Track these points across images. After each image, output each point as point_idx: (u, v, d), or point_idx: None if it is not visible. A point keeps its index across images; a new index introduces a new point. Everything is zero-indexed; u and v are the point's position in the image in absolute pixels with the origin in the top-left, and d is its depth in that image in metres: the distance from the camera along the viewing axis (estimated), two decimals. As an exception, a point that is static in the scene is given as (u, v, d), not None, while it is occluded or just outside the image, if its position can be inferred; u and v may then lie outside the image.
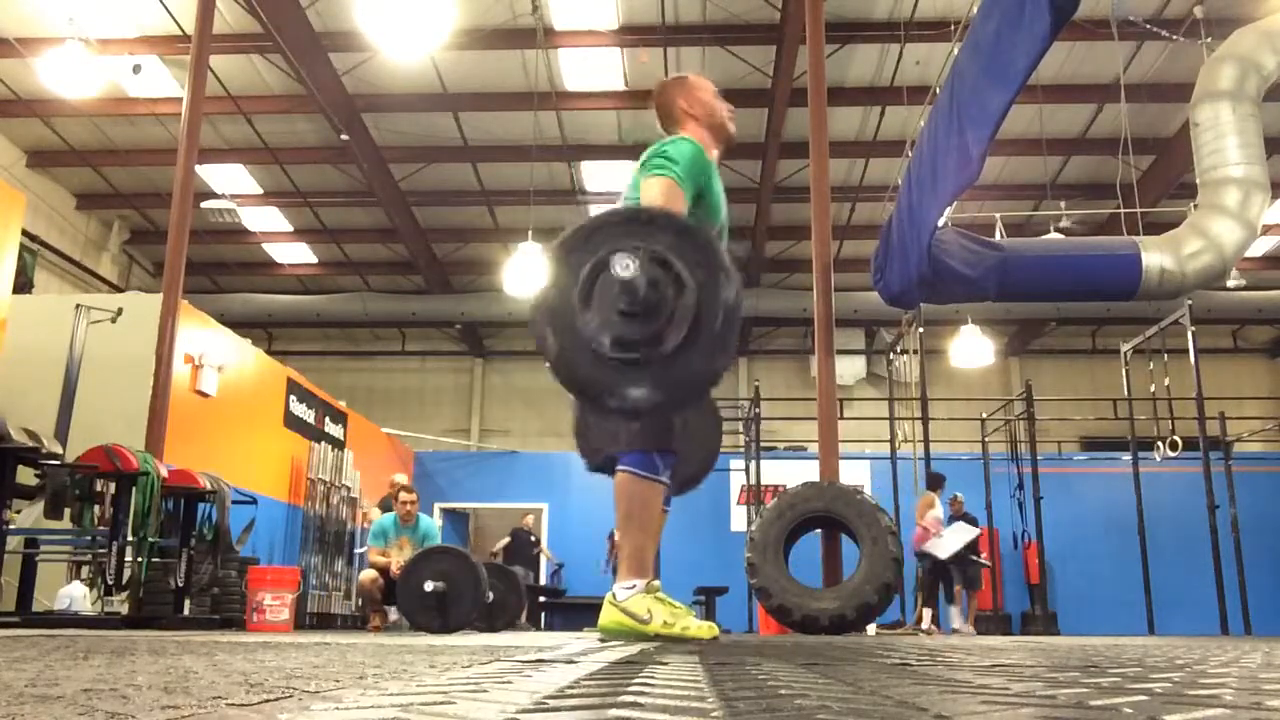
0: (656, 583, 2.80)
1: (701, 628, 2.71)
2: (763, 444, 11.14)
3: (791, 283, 14.99)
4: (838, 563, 6.27)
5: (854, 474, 11.35)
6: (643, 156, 2.93)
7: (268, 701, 0.89)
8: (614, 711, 0.75)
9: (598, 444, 2.90)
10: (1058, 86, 10.45)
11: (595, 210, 13.30)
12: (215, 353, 8.44)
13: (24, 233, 8.32)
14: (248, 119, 11.34)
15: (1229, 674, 1.32)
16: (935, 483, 9.77)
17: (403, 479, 9.92)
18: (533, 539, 12.84)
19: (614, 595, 2.78)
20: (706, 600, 10.87)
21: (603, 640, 2.74)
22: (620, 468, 2.77)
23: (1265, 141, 7.67)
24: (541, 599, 12.60)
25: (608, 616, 2.75)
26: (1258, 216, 7.35)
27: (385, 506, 9.46)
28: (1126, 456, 10.18)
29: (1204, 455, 8.73)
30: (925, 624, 9.59)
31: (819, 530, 6.13)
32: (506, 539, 12.41)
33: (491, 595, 6.66)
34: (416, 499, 7.69)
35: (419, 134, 11.78)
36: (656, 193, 2.76)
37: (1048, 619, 10.99)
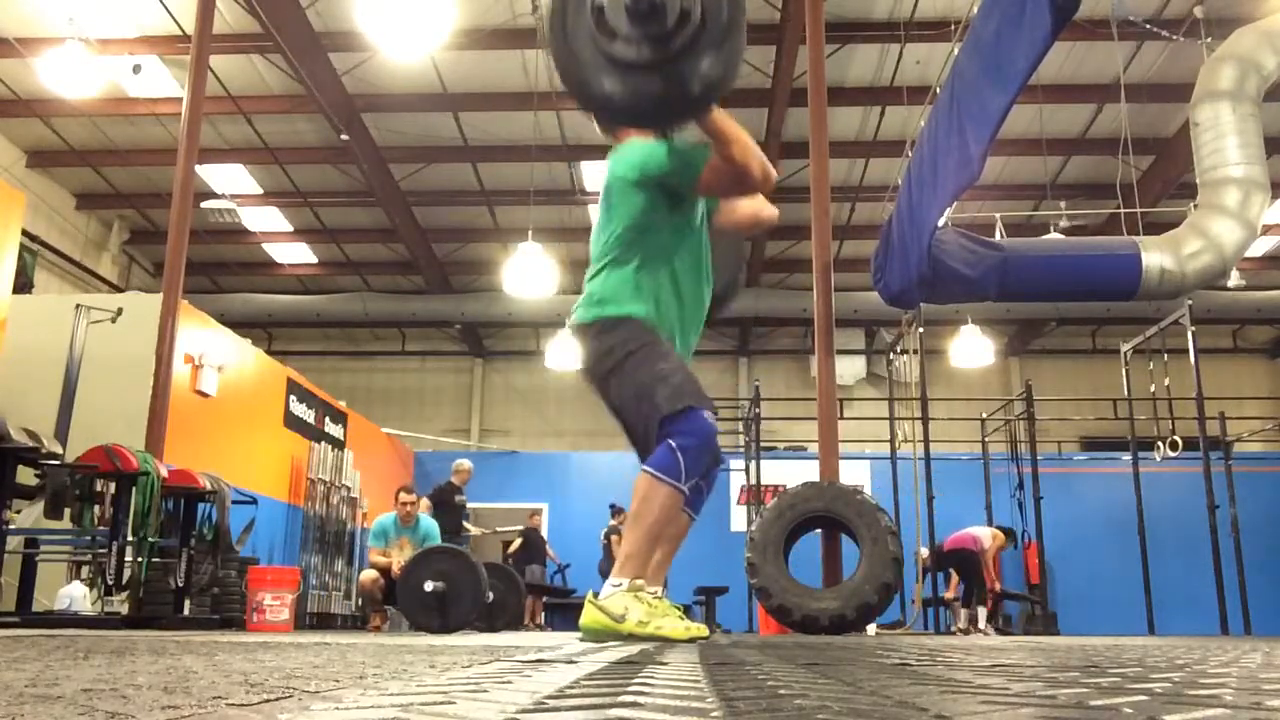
0: (640, 582, 2.77)
1: (677, 629, 2.62)
2: (763, 444, 11.14)
3: (791, 283, 14.99)
4: (838, 563, 6.27)
5: (854, 474, 11.35)
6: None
7: (268, 701, 0.89)
8: (614, 711, 0.75)
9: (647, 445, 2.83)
10: (1058, 86, 10.45)
11: (595, 210, 13.37)
12: (215, 353, 8.44)
13: (24, 233, 8.32)
14: (248, 119, 11.34)
15: (1229, 674, 1.32)
16: (1010, 535, 10.36)
17: (464, 467, 10.12)
18: (543, 537, 12.82)
19: (594, 593, 2.77)
20: (706, 600, 10.87)
21: (583, 639, 2.71)
22: (643, 467, 2.74)
23: (1265, 141, 7.67)
24: (544, 599, 12.60)
25: (588, 616, 2.72)
26: (1258, 216, 7.35)
27: (436, 499, 9.56)
28: (1126, 456, 10.17)
29: (1204, 455, 8.72)
30: (963, 623, 9.73)
31: (819, 530, 6.14)
32: (518, 539, 12.33)
33: (491, 595, 6.67)
34: (417, 499, 7.70)
35: (419, 134, 11.78)
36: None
37: (1048, 619, 10.99)
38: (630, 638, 2.61)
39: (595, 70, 2.46)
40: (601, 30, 2.42)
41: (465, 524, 10.66)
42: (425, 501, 9.91)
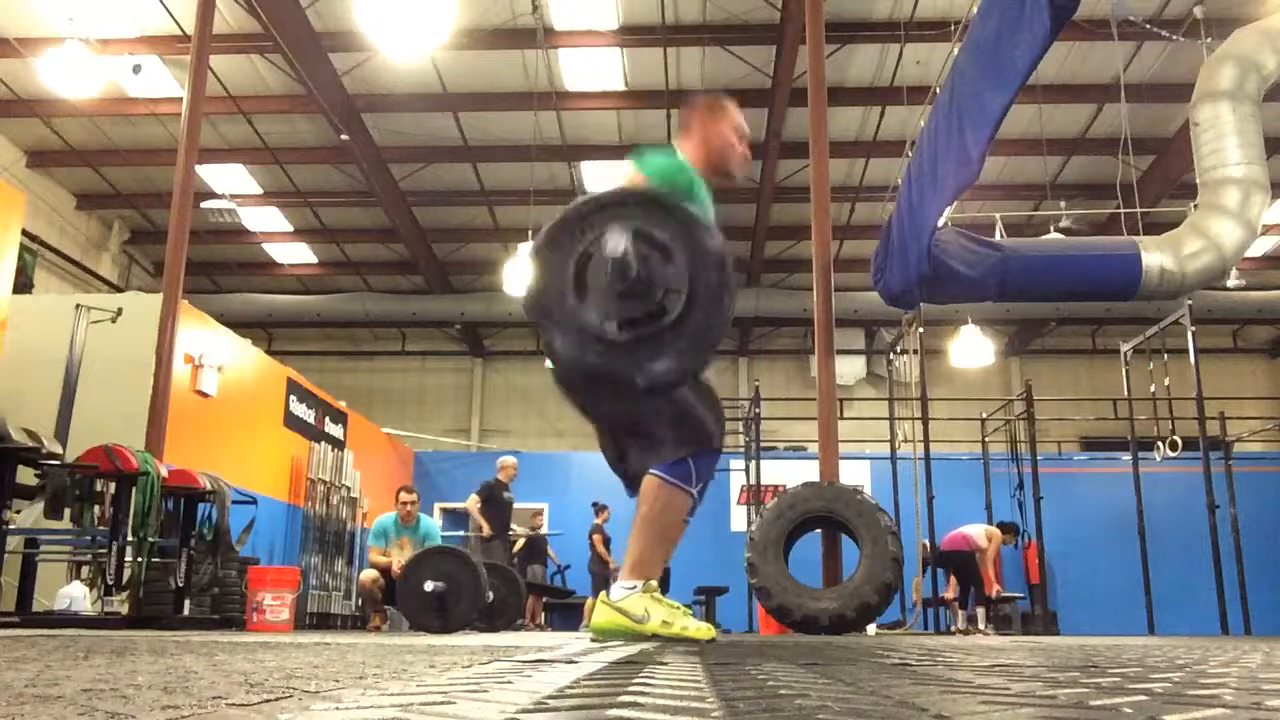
0: (654, 584, 2.78)
1: (700, 629, 2.68)
2: (763, 444, 11.14)
3: (791, 283, 14.99)
4: (838, 563, 6.27)
5: (854, 474, 11.34)
6: (638, 163, 2.95)
7: (268, 701, 0.89)
8: (614, 711, 0.75)
9: (638, 467, 2.81)
10: (1058, 86, 10.45)
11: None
12: (215, 353, 8.44)
13: (24, 233, 8.32)
14: (248, 119, 11.34)
15: (1229, 674, 1.32)
16: (1010, 531, 10.40)
17: (509, 463, 10.26)
18: (544, 538, 12.78)
19: (607, 595, 2.77)
20: (706, 600, 10.87)
21: (595, 640, 2.72)
22: (652, 471, 2.72)
23: (1265, 141, 7.67)
24: (545, 600, 12.59)
25: (602, 616, 2.72)
26: (1258, 216, 7.34)
27: (485, 496, 9.59)
28: (1126, 456, 10.17)
29: (1204, 455, 8.72)
30: (962, 623, 9.74)
31: (819, 530, 6.14)
32: (522, 540, 12.27)
33: (491, 595, 6.67)
34: (417, 500, 7.69)
35: (419, 134, 11.78)
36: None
37: (1048, 619, 10.99)
38: (654, 638, 2.62)
39: (557, 321, 2.38)
40: (577, 284, 2.34)
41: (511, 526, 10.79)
42: (474, 498, 9.99)
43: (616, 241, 2.22)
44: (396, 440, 14.04)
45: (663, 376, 2.36)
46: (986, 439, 12.02)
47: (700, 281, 2.32)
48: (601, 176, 12.65)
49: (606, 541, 11.34)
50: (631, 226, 2.29)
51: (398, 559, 7.18)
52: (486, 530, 10.04)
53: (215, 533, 6.36)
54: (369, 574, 7.45)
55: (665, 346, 2.34)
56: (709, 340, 2.39)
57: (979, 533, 10.01)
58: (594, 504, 11.41)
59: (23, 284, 10.37)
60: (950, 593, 10.15)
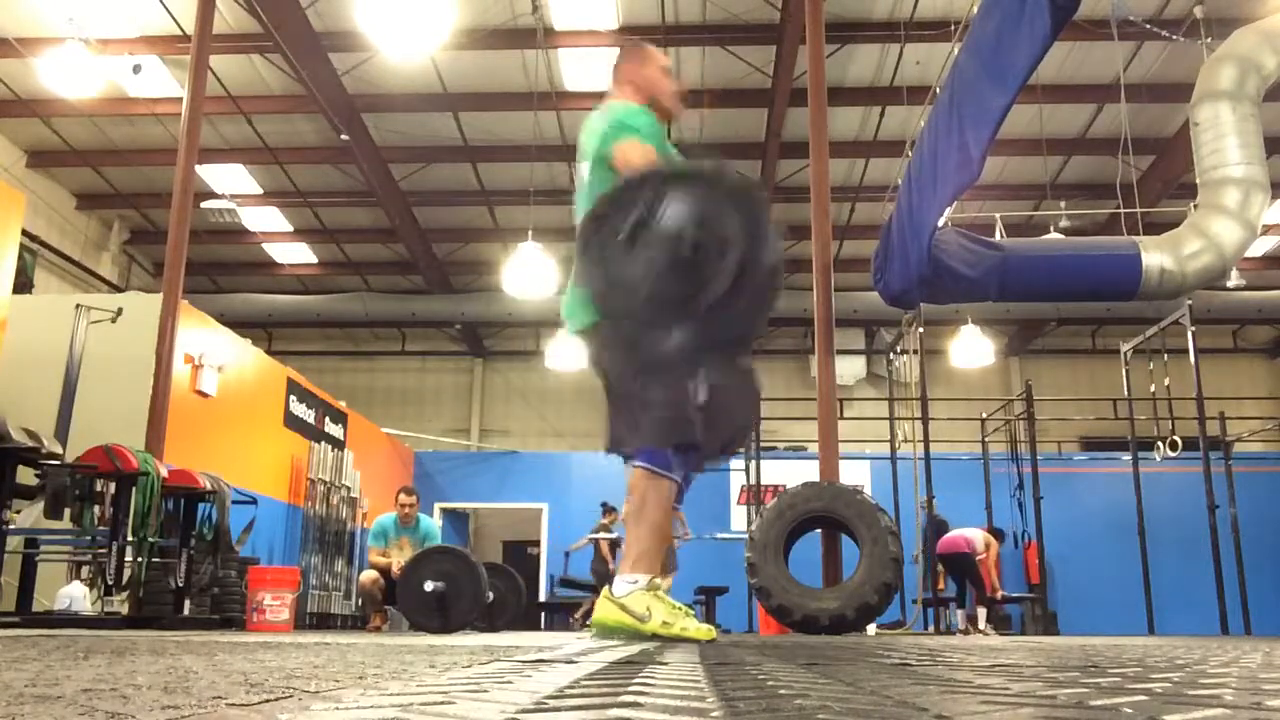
0: (659, 580, 2.77)
1: (701, 629, 2.67)
2: (763, 444, 11.14)
3: (791, 283, 14.96)
4: (838, 563, 6.27)
5: (854, 474, 11.34)
6: (596, 126, 3.00)
7: (268, 701, 0.89)
8: (614, 711, 0.75)
9: (618, 434, 2.87)
10: (1058, 86, 10.44)
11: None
12: (215, 353, 8.44)
13: (24, 233, 8.31)
14: (248, 119, 11.33)
15: (1229, 674, 1.32)
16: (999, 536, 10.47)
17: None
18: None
19: (610, 590, 2.76)
20: (706, 600, 10.87)
21: (597, 637, 2.71)
22: (635, 463, 2.76)
23: (1265, 141, 7.66)
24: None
25: (604, 612, 2.71)
26: (1258, 216, 7.34)
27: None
28: (1126, 456, 10.17)
29: (1204, 455, 8.72)
30: (962, 624, 9.75)
31: (819, 530, 6.14)
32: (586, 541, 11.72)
33: (491, 595, 6.67)
34: (416, 501, 7.69)
35: (419, 134, 11.78)
36: (636, 156, 2.83)
37: (1048, 619, 11.00)
38: (654, 638, 2.61)
39: (604, 261, 2.43)
40: (631, 238, 2.38)
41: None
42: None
43: (677, 214, 2.23)
44: (396, 440, 14.05)
45: (671, 348, 2.42)
46: (986, 439, 12.03)
47: (748, 284, 2.36)
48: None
49: (613, 545, 11.31)
50: (700, 209, 2.32)
51: (397, 559, 7.18)
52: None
53: (215, 533, 6.36)
54: (369, 574, 7.45)
55: (689, 324, 2.38)
56: (735, 337, 2.46)
57: (978, 536, 10.02)
58: (603, 504, 11.37)
59: (23, 284, 10.37)
60: (940, 584, 10.22)
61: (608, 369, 2.92)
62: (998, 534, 10.40)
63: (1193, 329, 8.80)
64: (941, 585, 10.16)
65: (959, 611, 10.11)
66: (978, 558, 9.86)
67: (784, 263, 2.50)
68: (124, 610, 6.10)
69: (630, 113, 3.02)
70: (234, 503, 6.62)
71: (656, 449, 2.73)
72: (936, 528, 9.83)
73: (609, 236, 2.40)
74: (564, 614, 12.90)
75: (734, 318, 2.38)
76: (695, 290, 2.33)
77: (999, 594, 10.03)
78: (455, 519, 15.15)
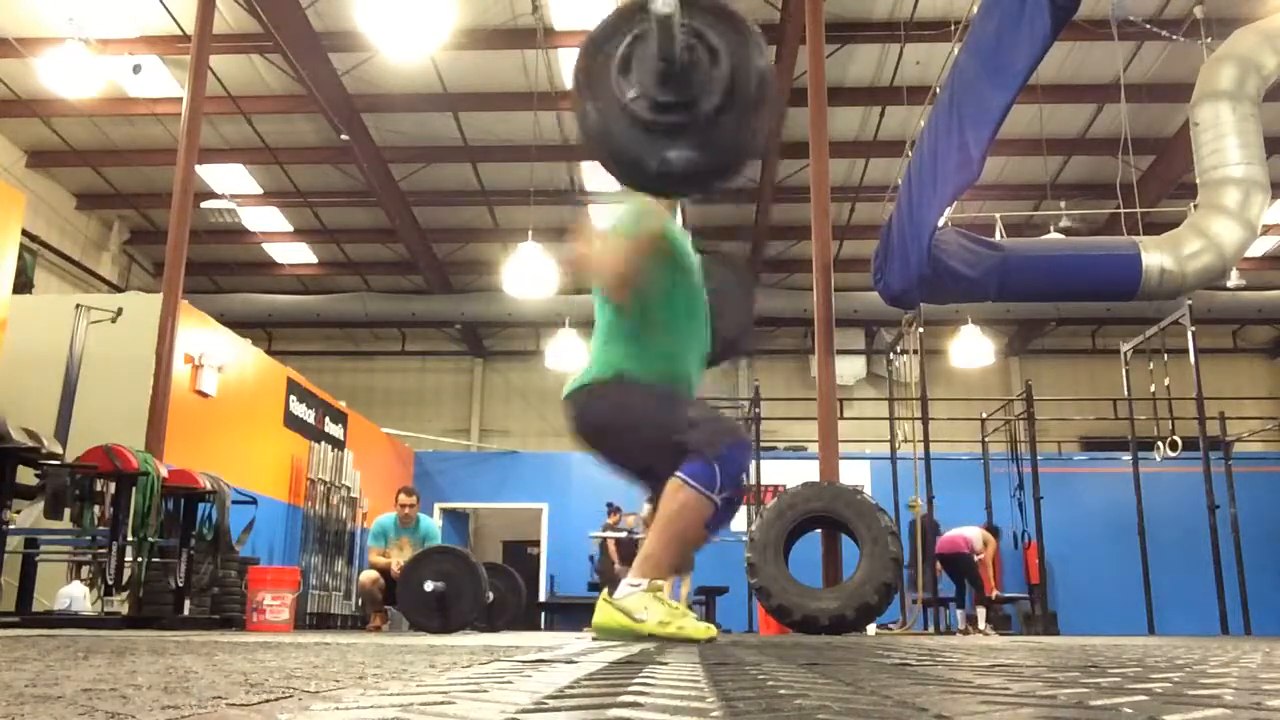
0: (659, 583, 2.77)
1: (699, 628, 2.66)
2: (763, 444, 11.14)
3: (791, 283, 14.99)
4: (838, 562, 6.27)
5: (854, 474, 11.34)
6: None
7: (268, 701, 0.89)
8: (614, 711, 0.75)
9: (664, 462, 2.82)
10: (1058, 86, 10.44)
11: (596, 210, 13.32)
12: (215, 353, 8.44)
13: (24, 233, 8.31)
14: (248, 119, 11.33)
15: (1229, 674, 1.32)
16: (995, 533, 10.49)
17: None
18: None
19: (608, 592, 2.76)
20: (706, 600, 10.87)
21: (597, 639, 2.71)
22: (678, 474, 2.71)
23: (1265, 141, 7.66)
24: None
25: (603, 615, 2.71)
26: (1258, 216, 7.34)
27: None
28: (1126, 456, 10.17)
29: (1204, 455, 8.72)
30: (963, 624, 9.76)
31: (819, 530, 6.14)
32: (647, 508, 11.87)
33: (491, 595, 6.67)
34: (417, 501, 7.70)
35: (419, 134, 11.77)
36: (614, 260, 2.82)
37: (1048, 619, 10.99)
38: (650, 638, 2.60)
39: (598, 92, 2.44)
40: (623, 64, 2.41)
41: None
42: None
43: (667, 2, 2.24)
44: (396, 440, 14.05)
45: (677, 165, 2.39)
46: (986, 439, 12.02)
47: (740, 90, 2.37)
48: (602, 176, 12.66)
49: (631, 544, 11.27)
50: (688, 11, 2.34)
51: (397, 559, 7.19)
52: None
53: (215, 533, 6.36)
54: (369, 574, 7.45)
55: (688, 138, 2.37)
56: (733, 148, 2.43)
57: (975, 535, 10.01)
58: (609, 504, 11.34)
59: (23, 284, 10.37)
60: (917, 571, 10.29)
61: (625, 442, 2.91)
62: (995, 531, 10.41)
63: (1193, 329, 8.80)
64: (921, 591, 10.15)
65: (959, 612, 10.11)
66: (977, 558, 9.86)
67: (772, 70, 2.49)
68: (124, 610, 6.10)
69: (645, 211, 2.92)
70: (234, 503, 6.62)
71: (704, 464, 2.69)
72: (930, 529, 9.83)
73: (604, 63, 2.43)
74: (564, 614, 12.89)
75: (729, 126, 2.38)
76: (689, 99, 2.35)
77: (996, 594, 10.03)
78: (455, 519, 15.15)
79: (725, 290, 3.24)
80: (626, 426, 2.88)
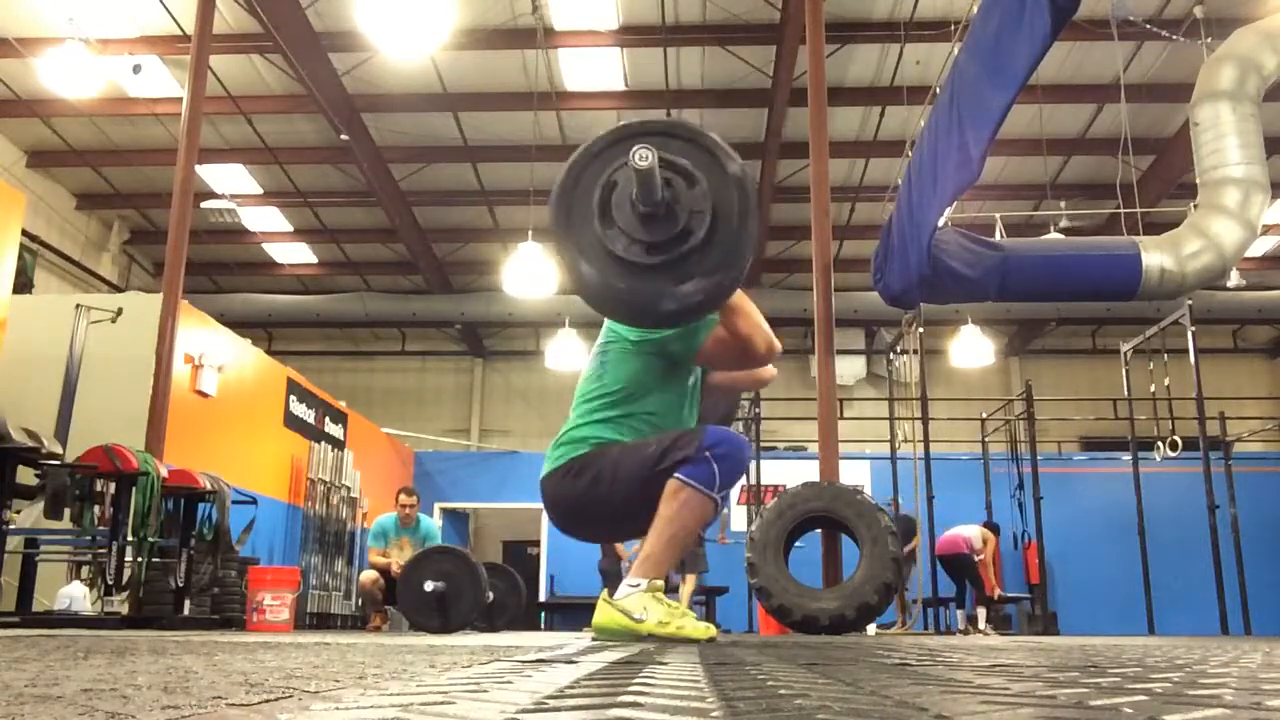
0: (658, 583, 2.77)
1: (698, 628, 2.66)
2: (763, 444, 11.14)
3: (791, 283, 14.99)
4: (838, 562, 6.27)
5: (854, 474, 11.34)
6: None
7: (268, 701, 0.89)
8: (614, 711, 0.75)
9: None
10: (1058, 86, 10.45)
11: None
12: (215, 353, 8.44)
13: (24, 233, 8.31)
14: (248, 119, 11.33)
15: (1229, 674, 1.32)
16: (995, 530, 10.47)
17: None
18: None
19: (609, 593, 2.76)
20: (706, 600, 10.87)
21: (597, 639, 2.71)
22: (677, 475, 2.70)
23: (1265, 141, 7.66)
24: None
25: (602, 615, 2.71)
26: (1258, 216, 7.34)
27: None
28: (1126, 456, 10.17)
29: (1204, 455, 8.72)
30: (962, 624, 9.76)
31: (819, 530, 6.13)
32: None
33: (491, 595, 6.67)
34: (417, 502, 7.70)
35: (419, 134, 11.78)
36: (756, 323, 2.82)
37: (1048, 619, 10.99)
38: (650, 638, 2.60)
39: (585, 248, 2.43)
40: (603, 213, 2.40)
41: None
42: None
43: (643, 154, 2.25)
44: (396, 440, 14.05)
45: (692, 298, 2.41)
46: (986, 439, 12.02)
47: (724, 203, 2.38)
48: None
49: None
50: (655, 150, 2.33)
51: (397, 559, 7.19)
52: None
53: (215, 533, 6.36)
54: (369, 574, 7.46)
55: (693, 268, 2.39)
56: (735, 261, 2.43)
57: (975, 534, 10.01)
58: None
59: (23, 284, 10.37)
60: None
61: (611, 499, 2.83)
62: (994, 528, 10.40)
63: (1193, 329, 8.80)
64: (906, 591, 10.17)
65: (958, 612, 10.11)
66: (977, 558, 9.85)
67: (748, 172, 2.48)
68: (124, 610, 6.10)
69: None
70: (234, 503, 6.62)
71: (703, 464, 2.68)
72: (908, 527, 9.81)
73: (581, 213, 2.42)
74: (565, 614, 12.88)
75: (726, 242, 2.39)
76: (681, 232, 2.36)
77: (997, 593, 10.03)
78: (455, 519, 15.15)
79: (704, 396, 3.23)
80: (602, 495, 2.80)
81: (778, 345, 2.85)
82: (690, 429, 2.85)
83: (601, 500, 2.82)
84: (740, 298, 2.71)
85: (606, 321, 2.97)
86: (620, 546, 11.13)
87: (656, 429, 2.88)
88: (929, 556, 9.69)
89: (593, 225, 2.40)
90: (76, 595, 6.17)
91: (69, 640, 2.60)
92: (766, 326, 2.79)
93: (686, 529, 2.73)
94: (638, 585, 2.71)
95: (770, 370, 3.18)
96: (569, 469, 2.87)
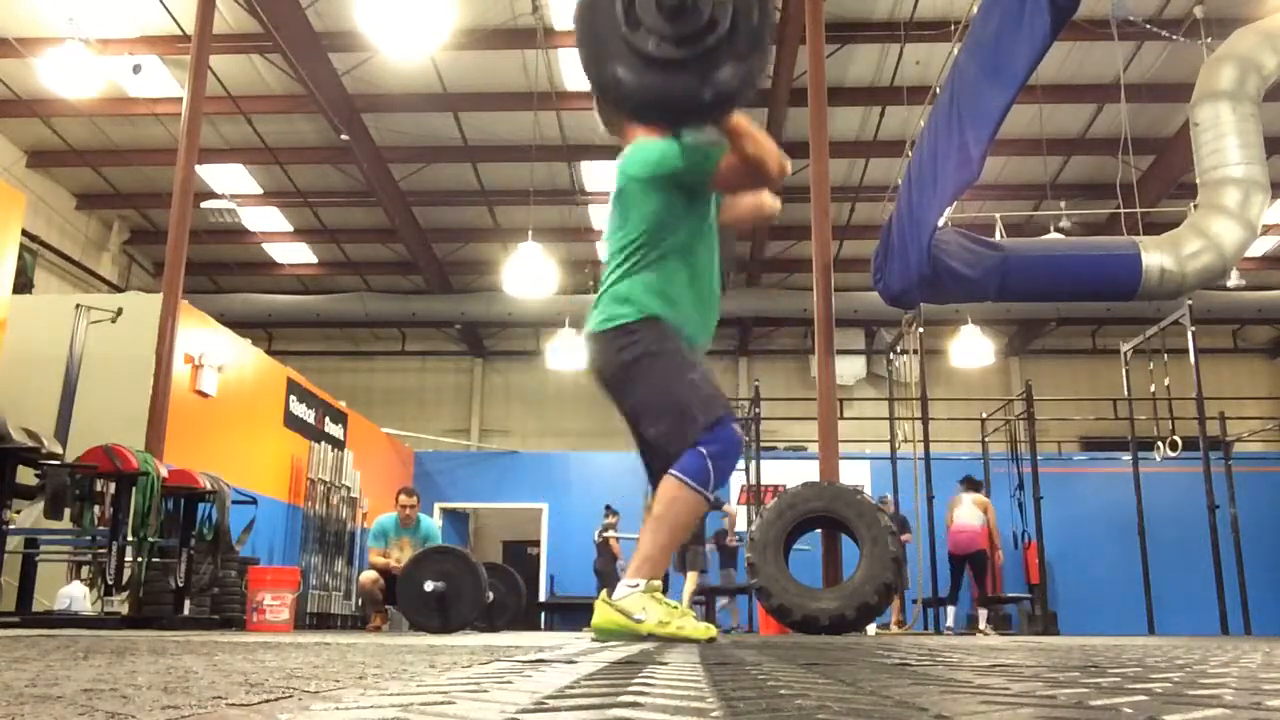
0: (656, 583, 2.77)
1: (698, 628, 2.66)
2: (763, 444, 11.14)
3: (791, 283, 14.99)
4: (838, 563, 6.27)
5: (854, 474, 11.34)
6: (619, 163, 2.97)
7: (268, 701, 0.89)
8: (614, 711, 0.75)
9: (660, 453, 2.83)
10: (1058, 86, 10.45)
11: (595, 210, 13.31)
12: (215, 353, 8.44)
13: (24, 233, 8.31)
14: (248, 119, 11.34)
15: (1229, 674, 1.32)
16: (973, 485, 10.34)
17: None
18: (724, 519, 10.79)
19: (607, 594, 2.76)
20: (707, 600, 10.87)
21: (596, 640, 2.71)
22: (672, 472, 2.70)
23: (1265, 141, 7.66)
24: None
25: (601, 616, 2.71)
26: (1258, 216, 7.34)
27: None
28: (1126, 456, 10.17)
29: (1204, 455, 8.72)
30: (982, 623, 9.78)
31: (819, 530, 6.14)
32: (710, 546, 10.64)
33: (491, 595, 6.67)
34: (417, 502, 7.70)
35: (419, 134, 11.77)
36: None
37: (1048, 619, 10.99)
38: (650, 638, 2.60)
39: (615, 56, 2.49)
40: (629, 18, 2.45)
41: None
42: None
43: None
44: (396, 440, 14.05)
45: (729, 84, 2.46)
46: (986, 439, 12.02)
47: (742, 22, 2.45)
48: (601, 177, 12.66)
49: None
50: None
51: (397, 559, 7.19)
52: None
53: (215, 533, 6.36)
54: (369, 574, 7.45)
55: (724, 56, 2.45)
56: (761, 45, 2.49)
57: (979, 521, 9.95)
58: (607, 506, 11.39)
59: (23, 284, 10.37)
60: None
61: (627, 394, 2.87)
62: (976, 485, 10.38)
63: (1193, 329, 8.80)
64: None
65: (949, 610, 10.08)
66: (995, 550, 9.91)
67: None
68: (124, 610, 6.10)
69: (663, 148, 2.88)
70: (234, 503, 6.62)
71: (701, 461, 2.69)
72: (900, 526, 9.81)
73: (606, 22, 2.47)
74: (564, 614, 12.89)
75: (751, 27, 2.45)
76: (711, 21, 2.41)
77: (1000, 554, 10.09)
78: (455, 519, 15.15)
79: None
80: (651, 383, 2.82)
81: (788, 164, 2.86)
82: (715, 398, 2.80)
83: (633, 383, 2.84)
84: (744, 122, 2.72)
85: (618, 167, 2.97)
86: (616, 546, 11.13)
87: (689, 263, 2.90)
88: (929, 556, 9.68)
89: (620, 31, 2.46)
90: (76, 595, 6.17)
91: (69, 640, 2.60)
92: (773, 145, 2.79)
93: (681, 526, 2.75)
94: (636, 585, 2.71)
95: (773, 202, 3.15)
96: (615, 337, 2.85)
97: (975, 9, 6.40)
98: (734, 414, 2.83)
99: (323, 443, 10.70)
